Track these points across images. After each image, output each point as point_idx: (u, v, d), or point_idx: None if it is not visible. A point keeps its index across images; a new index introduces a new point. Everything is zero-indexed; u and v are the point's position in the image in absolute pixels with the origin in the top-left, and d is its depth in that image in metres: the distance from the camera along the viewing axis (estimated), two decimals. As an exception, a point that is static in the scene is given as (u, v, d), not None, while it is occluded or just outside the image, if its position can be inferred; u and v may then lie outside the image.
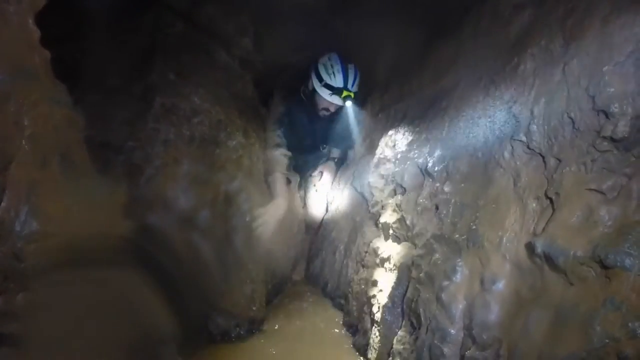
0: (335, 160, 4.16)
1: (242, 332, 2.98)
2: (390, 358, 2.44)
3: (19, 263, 1.72)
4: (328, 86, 3.56)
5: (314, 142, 4.08)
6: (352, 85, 3.58)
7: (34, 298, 1.76)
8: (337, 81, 3.55)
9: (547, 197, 1.86)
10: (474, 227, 2.13)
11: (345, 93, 3.57)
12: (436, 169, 2.53)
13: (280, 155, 3.66)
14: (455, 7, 2.91)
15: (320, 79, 3.60)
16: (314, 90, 3.70)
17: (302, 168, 4.21)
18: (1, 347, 1.71)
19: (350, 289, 3.23)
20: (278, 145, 3.69)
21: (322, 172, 4.15)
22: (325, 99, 3.67)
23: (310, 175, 4.26)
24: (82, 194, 1.98)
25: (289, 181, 3.78)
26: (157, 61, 3.10)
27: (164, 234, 2.68)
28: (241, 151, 3.29)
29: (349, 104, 3.67)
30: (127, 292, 2.19)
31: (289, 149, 3.79)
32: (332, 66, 3.56)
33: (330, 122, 3.92)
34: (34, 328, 1.76)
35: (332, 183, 4.12)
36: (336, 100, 3.62)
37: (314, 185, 4.16)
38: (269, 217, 3.29)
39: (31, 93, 1.75)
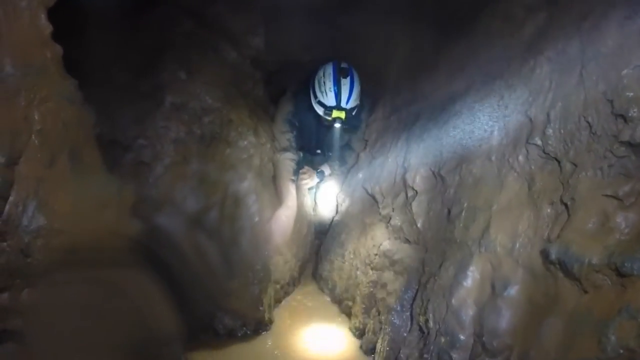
0: (319, 172, 3.99)
1: (248, 332, 2.97)
2: (398, 362, 2.41)
3: (25, 258, 1.71)
4: (321, 103, 3.49)
5: (320, 145, 4.03)
6: (347, 102, 3.46)
7: (39, 295, 1.75)
8: (329, 100, 3.45)
9: (562, 202, 1.83)
10: (486, 231, 2.09)
11: (335, 113, 3.45)
12: (449, 172, 2.50)
13: (288, 160, 3.64)
14: (466, 7, 2.87)
15: (315, 95, 3.54)
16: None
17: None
18: (5, 343, 1.71)
19: (358, 291, 3.20)
20: (286, 149, 3.67)
21: (322, 171, 4.02)
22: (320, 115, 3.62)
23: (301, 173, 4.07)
24: (90, 192, 1.97)
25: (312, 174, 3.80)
26: (167, 59, 3.09)
27: (171, 234, 2.68)
28: (252, 150, 3.27)
29: (337, 126, 3.60)
30: (133, 291, 2.18)
31: (298, 149, 3.76)
32: (324, 83, 3.45)
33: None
34: (38, 325, 1.75)
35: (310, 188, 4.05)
36: (328, 117, 3.53)
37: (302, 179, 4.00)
38: (279, 219, 3.28)
39: (41, 88, 1.74)
